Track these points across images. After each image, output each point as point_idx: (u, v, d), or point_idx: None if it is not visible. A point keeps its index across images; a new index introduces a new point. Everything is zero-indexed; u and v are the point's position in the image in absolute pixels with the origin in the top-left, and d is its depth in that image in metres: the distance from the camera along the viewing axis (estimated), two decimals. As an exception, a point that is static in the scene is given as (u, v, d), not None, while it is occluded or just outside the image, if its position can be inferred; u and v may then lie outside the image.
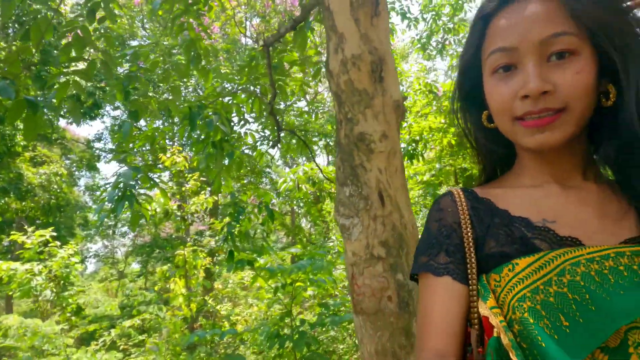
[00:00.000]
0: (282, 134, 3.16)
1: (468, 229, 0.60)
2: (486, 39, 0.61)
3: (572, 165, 0.62)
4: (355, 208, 1.31)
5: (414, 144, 4.59)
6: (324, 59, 2.44)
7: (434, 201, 0.67)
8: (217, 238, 6.08)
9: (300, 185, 4.47)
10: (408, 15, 4.68)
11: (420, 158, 4.62)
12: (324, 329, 3.62)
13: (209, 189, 6.18)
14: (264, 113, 3.03)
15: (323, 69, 2.53)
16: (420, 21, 4.89)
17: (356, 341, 4.23)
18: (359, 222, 1.31)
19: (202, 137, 2.70)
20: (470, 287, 0.58)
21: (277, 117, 2.66)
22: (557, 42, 0.54)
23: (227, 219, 3.34)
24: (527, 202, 0.62)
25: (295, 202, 8.78)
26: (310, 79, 3.27)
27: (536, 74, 0.54)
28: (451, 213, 0.63)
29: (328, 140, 7.21)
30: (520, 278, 0.54)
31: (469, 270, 0.58)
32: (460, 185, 5.47)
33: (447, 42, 5.32)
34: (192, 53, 2.44)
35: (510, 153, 0.69)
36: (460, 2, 4.79)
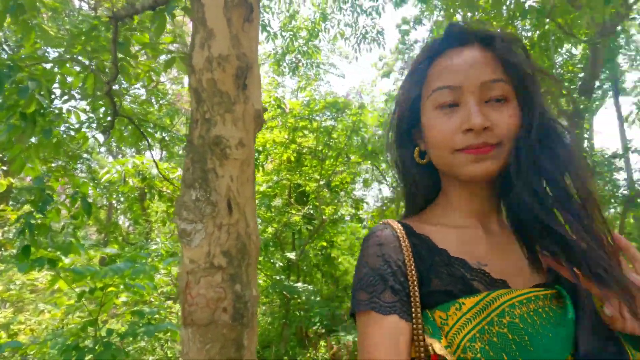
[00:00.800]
0: (116, 120, 2.81)
1: (412, 266, 0.60)
2: (429, 77, 0.66)
3: (490, 207, 0.68)
4: (200, 213, 1.25)
5: (256, 154, 4.64)
6: (177, 49, 2.29)
7: (371, 233, 0.65)
8: (5, 229, 4.97)
9: (127, 179, 4.03)
10: (268, 28, 4.78)
11: (261, 169, 4.70)
12: (133, 339, 3.29)
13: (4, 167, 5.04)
14: (97, 92, 2.65)
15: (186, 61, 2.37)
16: (278, 37, 5.05)
17: (168, 352, 3.96)
18: (202, 228, 1.24)
19: (9, 104, 2.20)
20: (415, 324, 0.57)
21: (115, 100, 2.35)
22: (494, 87, 0.61)
23: (26, 207, 2.78)
24: (461, 243, 0.64)
25: (115, 197, 7.86)
26: (158, 66, 3.01)
27: (478, 111, 0.60)
28: (394, 248, 0.62)
29: (164, 135, 6.72)
30: (468, 318, 0.56)
31: (413, 308, 0.58)
32: (293, 198, 5.75)
33: (300, 63, 5.62)
34: (12, 1, 1.98)
35: (433, 189, 0.72)
36: (316, 30, 5.14)
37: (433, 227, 0.67)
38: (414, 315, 0.58)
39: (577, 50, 6.64)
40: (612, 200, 5.28)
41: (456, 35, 0.65)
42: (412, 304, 0.58)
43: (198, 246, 1.24)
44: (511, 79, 0.62)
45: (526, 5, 3.14)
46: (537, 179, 0.58)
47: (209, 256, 1.24)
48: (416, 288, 0.59)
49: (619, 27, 5.26)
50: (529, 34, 5.35)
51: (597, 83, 6.26)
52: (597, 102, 9.18)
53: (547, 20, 3.43)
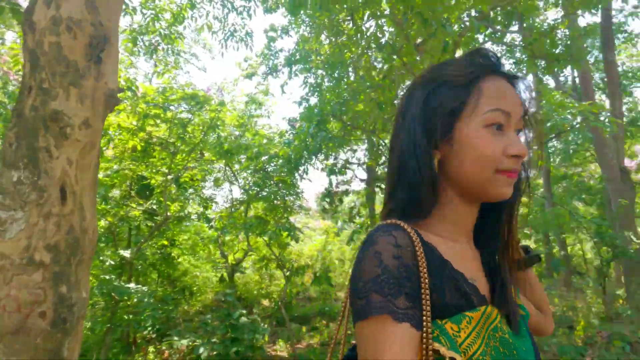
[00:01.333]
0: None
1: (425, 275, 0.59)
2: (480, 95, 0.67)
3: (472, 226, 0.73)
4: (22, 199, 1.04)
5: (95, 137, 4.08)
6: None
7: (385, 230, 0.63)
8: None
9: None
10: (127, 1, 4.29)
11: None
12: None
13: None
14: None
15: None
16: (137, 13, 4.57)
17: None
18: (23, 217, 1.04)
19: None
20: (425, 333, 0.57)
21: None
22: (521, 122, 0.69)
23: None
24: (459, 257, 0.68)
25: None
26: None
27: (521, 141, 0.68)
28: (410, 253, 0.60)
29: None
30: (477, 332, 0.59)
31: (424, 317, 0.57)
32: (134, 190, 5.24)
33: (159, 47, 5.19)
34: None
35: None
36: (182, 16, 4.83)
37: (435, 237, 0.68)
38: (424, 324, 0.57)
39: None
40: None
41: (496, 63, 0.70)
42: (424, 313, 0.58)
43: (14, 238, 1.04)
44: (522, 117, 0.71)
45: (382, 40, 3.53)
46: (514, 211, 0.73)
47: (28, 251, 1.05)
48: (428, 297, 0.58)
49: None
50: (380, 65, 6.03)
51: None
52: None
53: (395, 57, 3.90)
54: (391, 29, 4.26)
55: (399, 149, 0.70)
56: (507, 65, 9.23)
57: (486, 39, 7.61)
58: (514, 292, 0.71)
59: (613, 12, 9.49)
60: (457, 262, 0.66)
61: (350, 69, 6.75)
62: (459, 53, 6.24)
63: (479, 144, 0.66)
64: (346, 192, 7.80)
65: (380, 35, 3.54)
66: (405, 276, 0.58)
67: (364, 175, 8.15)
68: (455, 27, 4.26)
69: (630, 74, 12.88)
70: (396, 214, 0.68)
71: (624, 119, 8.78)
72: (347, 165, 7.30)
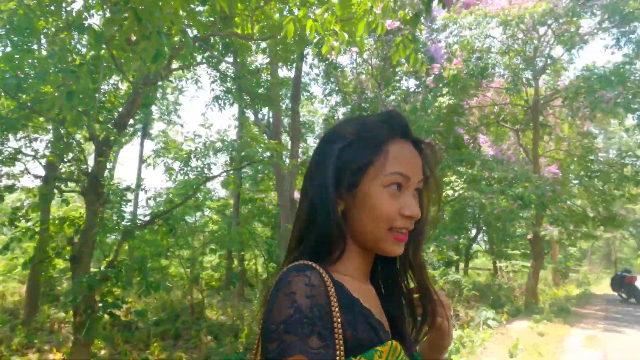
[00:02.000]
0: None
1: (337, 313, 0.62)
2: (386, 157, 0.73)
3: (369, 269, 0.80)
4: None
5: None
6: None
7: (298, 271, 0.65)
8: None
9: None
10: None
11: None
12: None
13: None
14: None
15: None
16: None
17: None
18: None
19: None
20: None
21: None
22: (420, 184, 0.77)
23: None
24: (365, 295, 0.72)
25: None
26: None
27: (417, 204, 0.75)
28: (322, 292, 0.63)
29: None
30: None
31: (337, 355, 0.60)
32: None
33: None
34: None
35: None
36: None
37: (344, 277, 0.72)
38: None
39: (123, 86, 7.13)
40: (116, 228, 5.74)
41: (405, 128, 0.77)
42: (337, 351, 0.60)
43: None
44: (425, 178, 0.79)
45: (87, 22, 3.06)
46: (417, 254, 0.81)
47: None
48: (341, 335, 0.61)
49: (159, 82, 6.10)
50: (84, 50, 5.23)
51: (132, 121, 6.89)
52: (126, 137, 10.07)
53: (104, 46, 3.47)
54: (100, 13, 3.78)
55: (311, 196, 0.74)
56: (218, 92, 9.93)
57: (204, 60, 7.91)
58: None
59: (303, 73, 11.80)
60: (364, 299, 0.70)
61: (44, 41, 5.55)
62: (174, 65, 6.21)
63: (377, 203, 0.72)
64: (11, 188, 6.20)
65: (87, 16, 3.06)
66: (317, 315, 0.60)
67: (41, 171, 6.74)
68: (176, 39, 4.20)
69: (307, 125, 16.26)
70: (306, 257, 0.71)
71: (298, 159, 10.84)
72: (18, 155, 5.84)
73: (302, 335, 0.58)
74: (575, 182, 12.91)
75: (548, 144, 13.40)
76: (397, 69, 13.29)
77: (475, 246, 19.24)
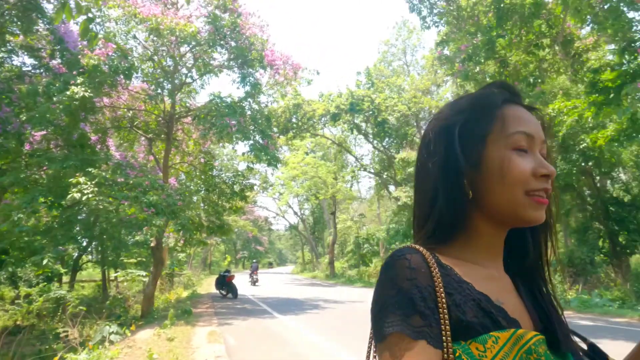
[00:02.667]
0: None
1: (442, 294, 0.60)
2: (504, 121, 0.70)
3: (501, 251, 0.74)
4: None
5: None
6: None
7: (399, 255, 0.63)
8: None
9: None
10: None
11: None
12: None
13: None
14: None
15: None
16: None
17: None
18: None
19: None
20: (446, 352, 0.57)
21: None
22: (544, 146, 0.72)
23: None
24: (482, 279, 0.67)
25: None
26: None
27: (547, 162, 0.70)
28: (424, 275, 0.61)
29: None
30: (506, 352, 0.59)
31: (444, 336, 0.58)
32: None
33: None
34: None
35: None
36: None
37: (455, 260, 0.68)
38: (444, 343, 0.57)
39: None
40: None
41: (516, 94, 0.75)
42: (443, 331, 0.58)
43: None
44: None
45: None
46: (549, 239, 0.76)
47: None
48: (446, 316, 0.58)
49: None
50: None
51: None
52: None
53: None
54: None
55: (432, 178, 0.71)
56: None
57: None
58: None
59: None
60: (480, 284, 0.65)
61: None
62: None
63: (507, 166, 0.67)
64: None
65: None
66: (419, 296, 0.59)
67: None
68: None
69: None
70: (422, 241, 0.70)
71: None
72: None
73: (402, 315, 0.58)
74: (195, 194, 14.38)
75: (175, 156, 14.30)
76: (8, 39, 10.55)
77: (84, 256, 17.54)
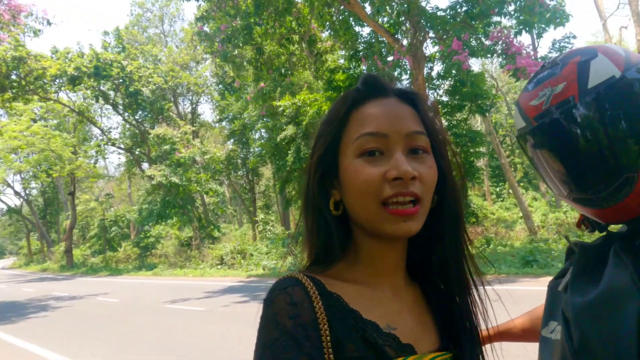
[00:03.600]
0: None
1: (326, 330, 0.55)
2: (352, 124, 0.63)
3: (399, 263, 0.66)
4: None
5: None
6: None
7: (280, 289, 0.58)
8: None
9: None
10: None
11: None
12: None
13: None
14: None
15: None
16: None
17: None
18: None
19: None
20: None
21: None
22: (417, 138, 0.62)
23: None
24: (372, 303, 0.62)
25: None
26: None
27: (405, 161, 0.59)
28: (307, 309, 0.56)
29: None
30: None
31: None
32: None
33: None
34: None
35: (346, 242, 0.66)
36: None
37: (344, 284, 0.62)
38: None
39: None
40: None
41: (374, 86, 0.66)
42: None
43: None
44: (429, 133, 0.64)
45: None
46: (458, 239, 0.66)
47: None
48: (331, 356, 0.54)
49: None
50: None
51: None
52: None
53: None
54: None
55: (303, 196, 0.69)
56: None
57: None
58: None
59: None
60: (370, 309, 0.61)
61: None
62: None
63: (355, 176, 0.61)
64: None
65: None
66: (304, 335, 0.54)
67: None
68: None
69: None
70: (311, 264, 0.67)
71: None
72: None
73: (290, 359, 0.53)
74: None
75: None
76: None
77: None
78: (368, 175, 0.59)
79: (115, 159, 72.66)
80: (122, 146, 25.54)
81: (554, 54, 11.06)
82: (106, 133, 26.25)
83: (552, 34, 57.75)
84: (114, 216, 31.43)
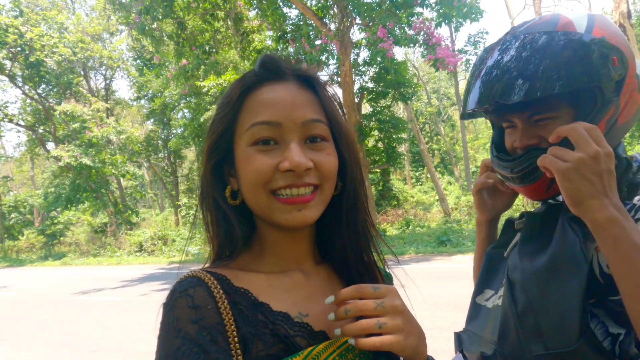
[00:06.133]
0: None
1: (233, 331, 0.53)
2: (245, 111, 0.61)
3: (308, 248, 0.66)
4: None
5: None
6: None
7: (180, 292, 0.54)
8: None
9: None
10: None
11: None
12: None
13: None
14: None
15: None
16: None
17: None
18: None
19: None
20: None
21: None
22: (315, 127, 0.60)
23: None
24: (282, 292, 0.61)
25: None
26: None
27: (300, 152, 0.57)
28: (211, 311, 0.53)
29: None
30: None
31: None
32: None
33: None
34: None
35: (249, 231, 0.65)
36: None
37: (252, 276, 0.61)
38: None
39: None
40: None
41: (272, 69, 0.62)
42: None
43: None
44: (329, 120, 0.62)
45: None
46: (356, 223, 0.65)
47: None
48: (240, 357, 0.52)
49: None
50: None
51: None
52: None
53: None
54: None
55: (199, 185, 0.66)
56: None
57: None
58: None
59: None
60: (280, 299, 0.59)
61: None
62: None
63: (246, 166, 0.59)
64: None
65: None
66: (209, 340, 0.51)
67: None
68: None
69: None
70: (216, 258, 0.65)
71: None
72: None
73: None
74: None
75: None
76: None
77: None
78: (260, 165, 0.58)
79: (13, 138, 64.96)
80: (23, 123, 22.80)
81: (469, 48, 11.80)
82: (2, 108, 23.24)
83: (468, 29, 61.70)
84: (13, 201, 28.19)
